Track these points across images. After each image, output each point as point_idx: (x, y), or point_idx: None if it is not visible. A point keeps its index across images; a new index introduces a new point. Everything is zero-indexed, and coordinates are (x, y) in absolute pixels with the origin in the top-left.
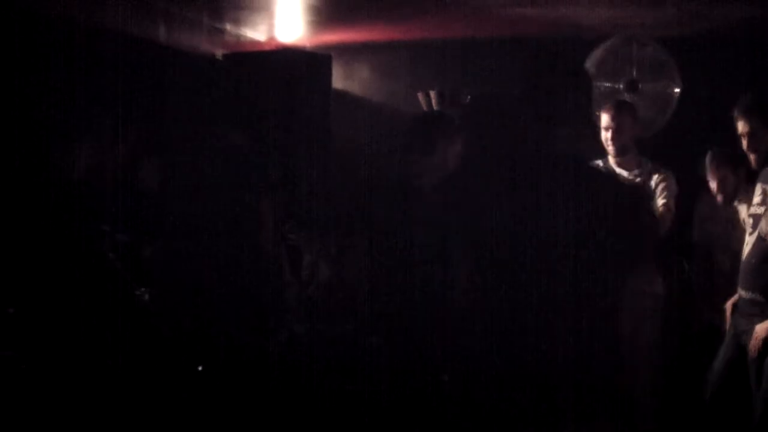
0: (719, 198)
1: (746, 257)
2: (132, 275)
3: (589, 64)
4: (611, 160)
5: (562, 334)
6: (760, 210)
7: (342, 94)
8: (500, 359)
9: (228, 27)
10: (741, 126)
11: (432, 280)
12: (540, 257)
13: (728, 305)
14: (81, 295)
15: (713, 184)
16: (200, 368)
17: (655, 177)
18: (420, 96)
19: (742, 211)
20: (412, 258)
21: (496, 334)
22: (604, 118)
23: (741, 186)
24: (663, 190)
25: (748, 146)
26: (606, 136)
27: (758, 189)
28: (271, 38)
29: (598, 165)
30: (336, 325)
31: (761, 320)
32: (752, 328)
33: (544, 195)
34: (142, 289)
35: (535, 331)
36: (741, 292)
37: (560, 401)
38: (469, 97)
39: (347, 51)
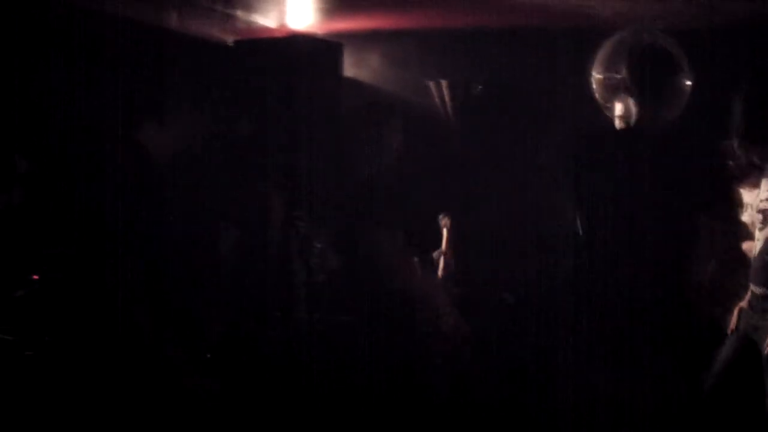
0: None
1: (758, 253)
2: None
3: (599, 55)
4: None
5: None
6: None
7: (352, 82)
8: None
9: (239, 13)
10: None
11: None
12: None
13: (737, 308)
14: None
15: None
16: (209, 356)
17: None
18: (431, 85)
19: (746, 195)
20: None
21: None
22: (618, 108)
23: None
24: None
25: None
26: (620, 125)
27: (765, 184)
28: (282, 25)
29: None
30: (343, 313)
31: None
32: (765, 324)
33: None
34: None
35: None
36: (753, 288)
37: None
38: (480, 87)
39: (358, 39)
